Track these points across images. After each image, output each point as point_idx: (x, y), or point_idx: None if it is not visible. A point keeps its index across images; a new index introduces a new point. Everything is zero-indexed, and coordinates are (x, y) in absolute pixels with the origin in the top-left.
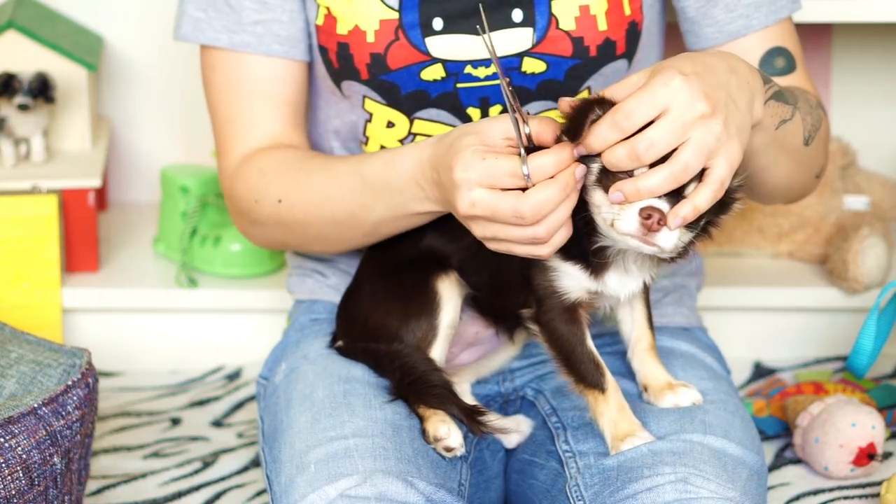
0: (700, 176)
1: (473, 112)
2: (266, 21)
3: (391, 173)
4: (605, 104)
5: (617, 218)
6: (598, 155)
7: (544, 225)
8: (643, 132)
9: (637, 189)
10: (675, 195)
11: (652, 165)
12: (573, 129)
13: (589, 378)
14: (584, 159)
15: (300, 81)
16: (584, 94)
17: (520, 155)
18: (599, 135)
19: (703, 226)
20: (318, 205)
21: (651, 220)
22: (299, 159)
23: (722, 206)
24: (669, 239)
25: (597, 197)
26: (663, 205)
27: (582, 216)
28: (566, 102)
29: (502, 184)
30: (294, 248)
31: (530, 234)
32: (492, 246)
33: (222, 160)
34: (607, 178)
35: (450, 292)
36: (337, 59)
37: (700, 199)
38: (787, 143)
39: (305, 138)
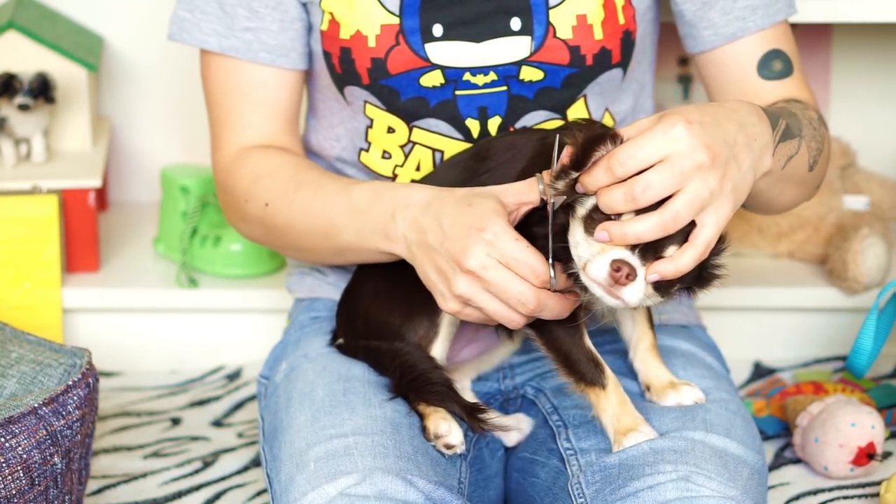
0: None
1: (472, 123)
2: (255, 29)
3: (375, 201)
4: (616, 139)
5: (590, 262)
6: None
7: (526, 317)
8: (641, 175)
9: (624, 232)
10: (652, 253)
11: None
12: (579, 161)
13: (589, 376)
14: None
15: (291, 89)
16: (580, 103)
17: (548, 259)
18: (595, 177)
19: (677, 290)
20: (299, 216)
21: (620, 273)
22: (294, 169)
23: (701, 280)
24: (634, 295)
25: (577, 234)
26: (635, 261)
27: (562, 245)
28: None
29: (520, 271)
30: (274, 249)
31: (510, 318)
32: (453, 307)
33: (215, 154)
34: (594, 218)
35: None
36: (339, 64)
37: (684, 260)
38: (793, 174)
39: (298, 141)
